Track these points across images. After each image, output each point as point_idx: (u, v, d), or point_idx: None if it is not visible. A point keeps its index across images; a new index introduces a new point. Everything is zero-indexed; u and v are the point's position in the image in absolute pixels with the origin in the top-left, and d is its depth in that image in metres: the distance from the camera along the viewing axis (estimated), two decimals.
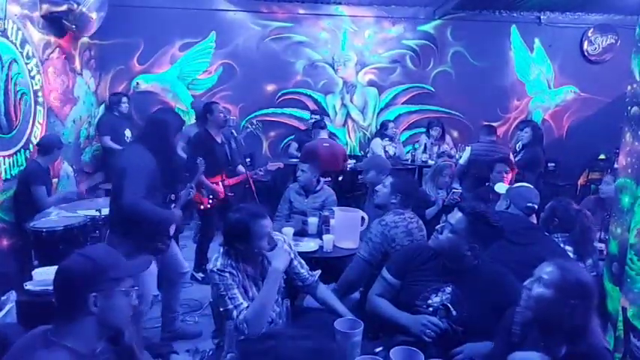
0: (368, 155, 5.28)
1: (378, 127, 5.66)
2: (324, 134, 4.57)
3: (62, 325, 1.16)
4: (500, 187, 2.77)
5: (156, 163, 2.30)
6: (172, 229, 2.56)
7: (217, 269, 1.82)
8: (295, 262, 2.05)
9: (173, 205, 2.52)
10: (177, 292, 2.87)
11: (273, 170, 3.98)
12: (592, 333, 1.36)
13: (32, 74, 3.76)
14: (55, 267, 1.22)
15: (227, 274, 1.81)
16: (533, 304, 1.40)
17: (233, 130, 3.92)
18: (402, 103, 5.98)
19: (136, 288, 1.27)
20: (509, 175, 3.43)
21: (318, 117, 5.16)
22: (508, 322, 1.53)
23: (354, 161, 5.09)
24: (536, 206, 2.44)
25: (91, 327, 1.17)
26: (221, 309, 1.81)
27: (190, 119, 5.05)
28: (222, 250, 1.90)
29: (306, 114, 5.65)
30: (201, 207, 3.60)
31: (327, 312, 2.00)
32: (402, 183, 2.42)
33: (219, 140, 3.66)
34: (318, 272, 2.11)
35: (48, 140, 3.59)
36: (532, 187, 2.60)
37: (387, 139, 5.28)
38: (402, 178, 2.50)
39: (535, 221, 2.61)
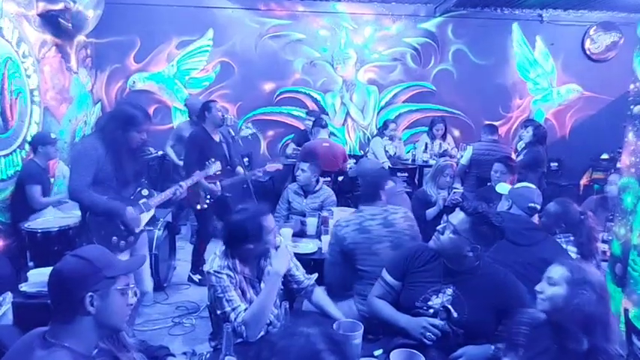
0: (368, 155, 5.25)
1: (380, 125, 5.62)
2: (324, 134, 4.52)
3: (59, 327, 1.16)
4: (502, 188, 2.73)
5: (105, 153, 2.26)
6: (136, 225, 2.42)
7: (214, 270, 1.80)
8: (291, 264, 2.02)
9: (143, 201, 2.46)
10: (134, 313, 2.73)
11: (271, 172, 3.93)
12: (611, 329, 1.39)
13: (28, 73, 3.73)
14: (51, 268, 1.21)
15: (224, 276, 1.78)
16: (548, 305, 1.42)
17: (230, 129, 3.86)
18: (403, 102, 5.95)
19: (132, 286, 1.26)
20: (511, 178, 3.38)
21: (313, 118, 5.07)
22: (515, 324, 1.52)
23: (354, 161, 5.05)
24: (538, 206, 2.42)
25: (89, 327, 1.17)
26: (218, 311, 1.78)
27: (184, 117, 5.00)
28: (219, 251, 1.88)
29: (305, 113, 5.61)
30: (198, 207, 3.55)
31: (324, 315, 1.98)
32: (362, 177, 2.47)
33: (216, 139, 3.62)
34: (315, 276, 2.08)
35: (34, 138, 3.56)
36: (534, 187, 2.57)
37: (386, 138, 5.25)
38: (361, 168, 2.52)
39: (536, 221, 2.58)
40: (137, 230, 2.42)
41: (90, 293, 1.15)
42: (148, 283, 2.62)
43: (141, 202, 2.44)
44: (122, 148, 2.30)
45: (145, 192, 2.48)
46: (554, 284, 1.42)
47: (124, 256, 2.29)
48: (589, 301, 1.35)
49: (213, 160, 3.22)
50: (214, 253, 1.89)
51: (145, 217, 2.47)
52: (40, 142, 3.45)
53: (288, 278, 2.00)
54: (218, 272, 1.79)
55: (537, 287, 1.47)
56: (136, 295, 1.28)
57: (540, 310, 1.46)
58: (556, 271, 1.44)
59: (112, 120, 2.36)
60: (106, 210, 2.29)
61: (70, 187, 2.27)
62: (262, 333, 1.78)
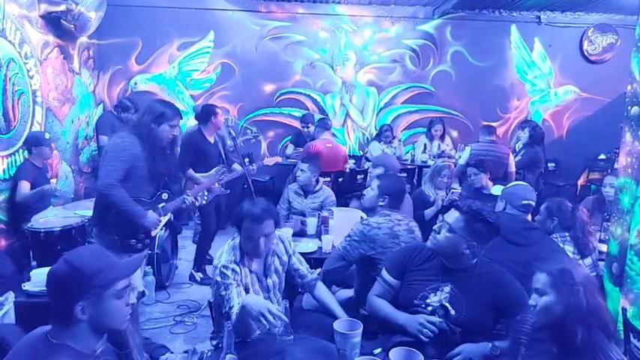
0: (367, 156, 5.29)
1: (377, 129, 5.67)
2: (327, 135, 4.54)
3: (60, 328, 1.16)
4: (496, 189, 2.77)
5: (141, 149, 2.25)
6: (155, 229, 2.45)
7: (222, 265, 1.81)
8: (294, 259, 2.06)
9: (162, 205, 2.47)
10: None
11: (270, 165, 3.93)
12: (606, 323, 1.39)
13: (31, 74, 3.75)
14: None
15: (230, 272, 1.80)
16: (547, 315, 1.42)
17: (231, 130, 3.89)
18: (402, 103, 5.97)
19: (131, 287, 1.26)
20: (484, 176, 3.50)
21: (309, 124, 5.03)
22: (518, 323, 1.52)
23: (353, 161, 5.08)
24: (532, 203, 2.42)
25: (86, 330, 1.17)
26: (223, 310, 1.78)
27: (188, 122, 5.02)
28: (228, 245, 1.89)
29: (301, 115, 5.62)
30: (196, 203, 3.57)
31: (324, 313, 2.00)
32: (389, 185, 2.39)
33: (211, 140, 3.66)
34: (318, 271, 2.10)
35: (27, 139, 3.52)
36: (526, 184, 2.60)
37: (382, 142, 5.31)
38: (390, 180, 2.47)
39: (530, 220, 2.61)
40: (153, 234, 2.44)
41: (80, 303, 1.13)
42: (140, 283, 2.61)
43: (160, 205, 2.45)
44: (155, 144, 2.31)
45: (164, 196, 2.49)
46: (543, 294, 1.43)
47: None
48: (579, 300, 1.36)
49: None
50: (222, 248, 1.91)
51: (162, 220, 2.48)
52: (33, 143, 3.41)
53: (292, 273, 2.04)
54: (225, 267, 1.80)
55: (530, 301, 1.47)
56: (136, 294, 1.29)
57: (542, 321, 1.44)
58: (539, 280, 1.45)
59: (145, 115, 2.36)
60: (129, 210, 2.27)
61: (101, 180, 2.22)
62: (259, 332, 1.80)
